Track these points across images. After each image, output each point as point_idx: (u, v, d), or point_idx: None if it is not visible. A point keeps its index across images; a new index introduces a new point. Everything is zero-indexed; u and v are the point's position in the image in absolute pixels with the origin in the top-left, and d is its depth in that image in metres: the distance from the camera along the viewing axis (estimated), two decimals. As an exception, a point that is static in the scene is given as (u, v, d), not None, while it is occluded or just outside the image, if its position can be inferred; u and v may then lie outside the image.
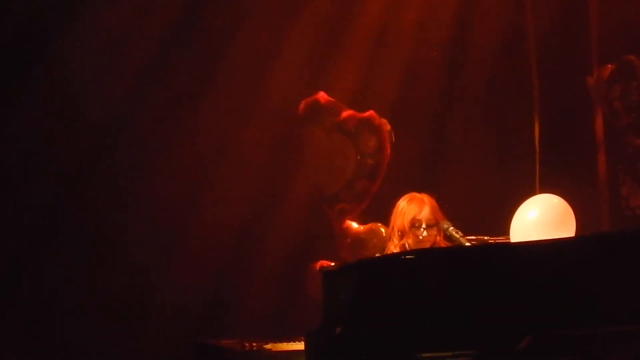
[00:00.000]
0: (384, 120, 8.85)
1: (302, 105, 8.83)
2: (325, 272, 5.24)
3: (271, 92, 8.90)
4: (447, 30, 9.18)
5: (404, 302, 4.76)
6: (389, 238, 6.31)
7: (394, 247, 6.27)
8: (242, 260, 8.86)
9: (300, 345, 6.19)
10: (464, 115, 9.15)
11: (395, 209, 6.33)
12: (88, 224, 8.53)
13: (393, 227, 6.29)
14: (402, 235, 6.21)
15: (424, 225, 6.20)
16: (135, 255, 8.55)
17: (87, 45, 8.48)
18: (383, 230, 8.24)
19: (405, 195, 6.36)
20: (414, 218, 6.21)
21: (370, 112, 8.85)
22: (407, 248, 6.17)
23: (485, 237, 6.18)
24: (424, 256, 5.01)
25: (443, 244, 6.24)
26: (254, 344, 6.66)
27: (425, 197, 6.30)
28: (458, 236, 6.12)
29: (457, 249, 5.84)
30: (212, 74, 8.87)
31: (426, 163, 9.02)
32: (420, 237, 6.17)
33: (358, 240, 8.59)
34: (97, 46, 8.52)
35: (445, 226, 6.20)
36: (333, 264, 8.08)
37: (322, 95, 8.82)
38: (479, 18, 9.13)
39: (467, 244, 6.06)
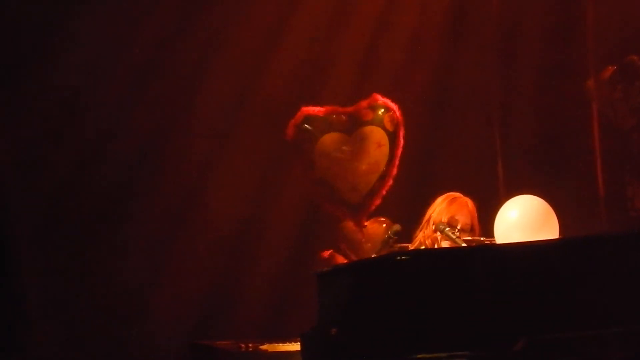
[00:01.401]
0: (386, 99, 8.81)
1: (291, 124, 8.72)
2: (321, 273, 5.24)
3: (273, 86, 8.91)
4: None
5: (399, 303, 4.75)
6: (420, 228, 6.33)
7: (423, 238, 6.29)
8: (239, 262, 8.85)
9: (296, 346, 6.18)
10: (460, 113, 9.16)
11: (435, 202, 6.37)
12: (84, 222, 8.52)
13: (429, 217, 6.31)
14: (437, 228, 6.24)
15: (459, 227, 6.22)
16: (130, 256, 8.54)
17: (84, 44, 8.48)
18: (384, 225, 8.24)
19: (450, 193, 6.41)
20: (452, 217, 6.24)
21: (372, 96, 8.76)
22: (438, 240, 6.20)
23: (482, 238, 6.18)
24: (419, 257, 5.01)
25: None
26: (250, 345, 6.66)
27: (469, 202, 6.35)
28: (454, 237, 6.13)
29: (453, 250, 5.84)
30: (211, 65, 8.86)
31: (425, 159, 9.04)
32: (447, 232, 6.18)
33: (373, 236, 8.51)
34: (94, 45, 8.51)
35: (442, 227, 6.21)
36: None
37: (305, 109, 8.72)
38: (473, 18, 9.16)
39: (463, 244, 6.06)
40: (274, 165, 8.93)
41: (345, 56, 9.13)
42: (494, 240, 5.98)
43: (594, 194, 8.89)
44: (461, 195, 6.42)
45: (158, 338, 8.44)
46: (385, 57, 9.16)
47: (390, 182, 8.63)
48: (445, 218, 6.27)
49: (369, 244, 8.27)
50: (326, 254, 8.38)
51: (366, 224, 8.49)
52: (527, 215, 5.78)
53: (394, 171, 8.62)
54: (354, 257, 8.17)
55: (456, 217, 6.28)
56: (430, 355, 4.85)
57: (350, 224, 8.57)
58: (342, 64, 9.12)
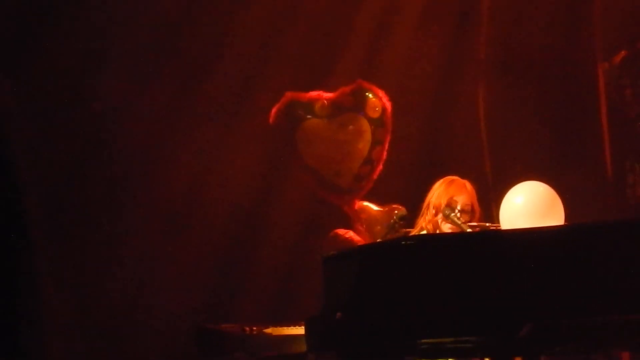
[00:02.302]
0: (372, 85, 8.79)
1: (274, 111, 8.71)
2: (326, 258, 5.24)
3: (274, 77, 8.90)
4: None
5: (405, 288, 4.75)
6: (421, 214, 6.33)
7: (425, 223, 6.29)
8: (244, 246, 8.86)
9: (300, 330, 6.20)
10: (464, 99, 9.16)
11: (434, 187, 6.38)
12: (88, 211, 8.52)
13: (429, 203, 6.31)
14: (437, 212, 6.24)
15: (459, 207, 6.22)
16: (136, 242, 8.55)
17: (85, 39, 8.47)
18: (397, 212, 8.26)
19: (447, 177, 6.41)
20: (451, 198, 6.24)
21: (356, 82, 8.76)
22: (440, 225, 6.20)
23: (487, 224, 6.18)
24: (424, 242, 5.01)
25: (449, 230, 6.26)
26: (254, 328, 6.67)
27: (467, 183, 6.35)
28: (459, 222, 6.13)
29: (458, 235, 5.84)
30: (213, 57, 8.86)
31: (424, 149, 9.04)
32: (452, 217, 6.18)
33: (375, 221, 8.52)
34: (95, 39, 8.50)
35: (447, 212, 6.20)
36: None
37: (289, 95, 8.72)
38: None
39: (469, 230, 6.06)
40: (279, 150, 8.92)
41: (350, 42, 9.12)
42: (499, 226, 5.99)
43: (601, 180, 8.88)
44: (459, 178, 6.42)
45: (164, 322, 8.45)
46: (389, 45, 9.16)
47: (380, 167, 8.65)
48: (444, 200, 6.27)
49: (378, 227, 8.28)
50: (345, 233, 8.40)
51: (381, 209, 8.49)
52: (532, 201, 5.78)
53: (384, 155, 8.63)
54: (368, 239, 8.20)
55: (455, 198, 6.28)
56: (435, 340, 4.85)
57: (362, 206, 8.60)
58: (347, 52, 9.11)
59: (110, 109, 8.55)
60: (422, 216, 6.36)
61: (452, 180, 6.38)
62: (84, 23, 8.46)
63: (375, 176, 8.68)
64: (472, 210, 6.28)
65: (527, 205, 5.79)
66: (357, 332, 4.94)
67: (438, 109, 9.14)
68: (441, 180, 6.43)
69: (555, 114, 9.01)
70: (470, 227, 6.11)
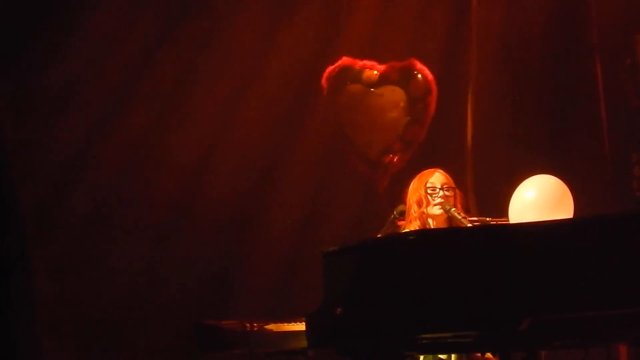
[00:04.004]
0: (423, 66, 8.86)
1: (327, 72, 8.81)
2: (326, 252, 5.23)
3: (282, 55, 8.91)
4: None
5: (404, 283, 4.75)
6: (408, 221, 6.31)
7: (412, 219, 6.28)
8: (244, 242, 8.86)
9: (301, 326, 6.19)
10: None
11: (409, 188, 6.37)
12: (93, 204, 8.53)
13: (410, 206, 6.30)
14: (420, 205, 6.23)
15: (438, 186, 6.22)
16: (135, 238, 8.55)
17: (86, 34, 8.48)
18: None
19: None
20: (426, 183, 6.25)
21: (410, 60, 8.85)
22: (428, 221, 6.20)
23: (487, 219, 6.17)
24: (424, 237, 5.00)
25: (445, 225, 6.26)
26: (255, 325, 6.66)
27: (437, 170, 6.35)
28: (460, 217, 6.12)
29: (459, 230, 5.84)
30: (218, 41, 8.86)
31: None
32: (438, 200, 6.18)
33: None
34: (97, 30, 8.51)
35: (447, 207, 6.20)
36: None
37: (345, 60, 8.84)
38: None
39: (469, 224, 6.05)
40: (278, 146, 8.92)
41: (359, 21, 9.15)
42: (499, 221, 5.98)
43: (602, 174, 8.87)
44: (423, 170, 6.44)
45: (164, 319, 8.45)
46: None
47: (415, 147, 8.71)
48: (422, 190, 6.27)
49: None
50: None
51: None
52: (543, 195, 5.76)
53: (421, 136, 8.70)
54: None
55: (431, 181, 6.29)
56: (435, 335, 4.86)
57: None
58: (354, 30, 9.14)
59: (110, 103, 8.57)
60: (407, 217, 6.34)
61: (422, 172, 6.40)
62: (83, 24, 8.48)
63: (408, 156, 8.74)
64: (454, 192, 6.27)
65: (538, 199, 5.77)
66: (358, 327, 4.94)
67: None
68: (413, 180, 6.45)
69: (554, 107, 9.01)
70: (470, 221, 6.10)
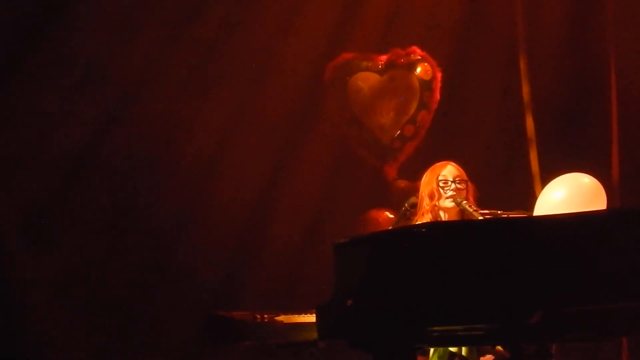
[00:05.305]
0: (425, 53, 8.90)
1: (329, 67, 8.84)
2: (337, 244, 5.24)
3: (290, 52, 8.92)
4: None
5: (416, 275, 4.75)
6: (420, 214, 6.31)
7: (424, 212, 6.28)
8: (255, 234, 8.87)
9: (311, 318, 6.19)
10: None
11: (421, 182, 6.37)
12: (101, 202, 8.55)
13: (422, 198, 6.30)
14: (432, 198, 6.23)
15: (450, 179, 6.22)
16: (147, 230, 8.57)
17: (92, 29, 8.48)
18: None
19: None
20: (438, 176, 6.25)
21: (413, 47, 8.88)
22: (441, 212, 6.20)
23: (499, 212, 6.16)
24: (436, 229, 5.00)
25: (456, 217, 6.26)
26: (266, 316, 6.66)
27: (450, 162, 6.35)
28: (471, 210, 6.12)
29: (470, 223, 5.83)
30: (226, 40, 8.87)
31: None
32: (450, 193, 6.18)
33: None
34: (108, 20, 8.52)
35: (459, 200, 6.20)
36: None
37: (346, 55, 8.89)
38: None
39: (480, 217, 6.05)
40: (291, 140, 8.94)
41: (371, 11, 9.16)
42: (510, 214, 5.98)
43: (610, 173, 8.86)
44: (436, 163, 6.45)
45: (176, 310, 8.47)
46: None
47: (423, 133, 8.73)
48: (435, 183, 6.27)
49: None
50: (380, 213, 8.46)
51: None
52: (575, 194, 5.74)
53: (427, 122, 8.72)
54: None
55: (443, 174, 6.29)
56: (446, 328, 4.86)
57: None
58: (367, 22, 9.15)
59: (119, 105, 8.58)
60: (420, 216, 6.34)
61: (434, 165, 6.40)
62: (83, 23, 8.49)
63: (417, 142, 8.75)
64: (467, 185, 6.28)
65: (569, 199, 5.75)
66: (368, 319, 4.94)
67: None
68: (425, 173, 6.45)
69: (565, 107, 9.01)
70: (482, 214, 6.10)
